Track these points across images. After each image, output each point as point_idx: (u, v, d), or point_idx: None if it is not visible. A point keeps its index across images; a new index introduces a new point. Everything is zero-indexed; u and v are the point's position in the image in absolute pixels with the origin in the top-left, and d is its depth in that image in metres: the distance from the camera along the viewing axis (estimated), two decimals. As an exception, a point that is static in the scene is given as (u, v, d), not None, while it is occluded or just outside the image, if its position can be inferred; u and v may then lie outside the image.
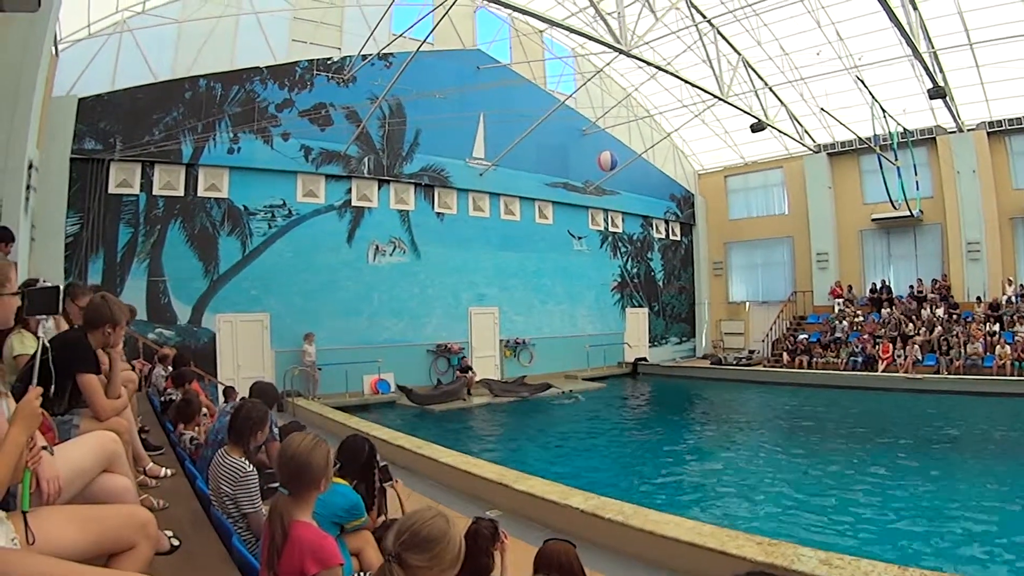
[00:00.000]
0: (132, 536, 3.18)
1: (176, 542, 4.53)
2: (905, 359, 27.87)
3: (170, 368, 12.77)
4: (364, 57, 25.00)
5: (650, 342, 37.97)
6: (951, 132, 31.23)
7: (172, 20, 22.92)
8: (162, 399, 11.37)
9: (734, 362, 34.45)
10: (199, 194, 22.88)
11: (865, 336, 30.32)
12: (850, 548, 9.39)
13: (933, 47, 25.28)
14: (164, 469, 6.98)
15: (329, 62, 25.60)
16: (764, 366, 33.15)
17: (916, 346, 28.16)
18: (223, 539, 4.90)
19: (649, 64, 23.64)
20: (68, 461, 3.60)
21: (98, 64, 21.45)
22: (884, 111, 27.42)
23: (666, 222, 39.80)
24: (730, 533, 7.63)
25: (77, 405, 5.04)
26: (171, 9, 22.93)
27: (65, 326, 6.24)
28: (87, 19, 21.13)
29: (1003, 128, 30.39)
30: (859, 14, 25.99)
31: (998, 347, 26.37)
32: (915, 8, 21.81)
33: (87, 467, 3.78)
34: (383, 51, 24.69)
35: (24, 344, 5.23)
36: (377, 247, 26.67)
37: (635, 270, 37.72)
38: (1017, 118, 29.95)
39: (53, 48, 17.41)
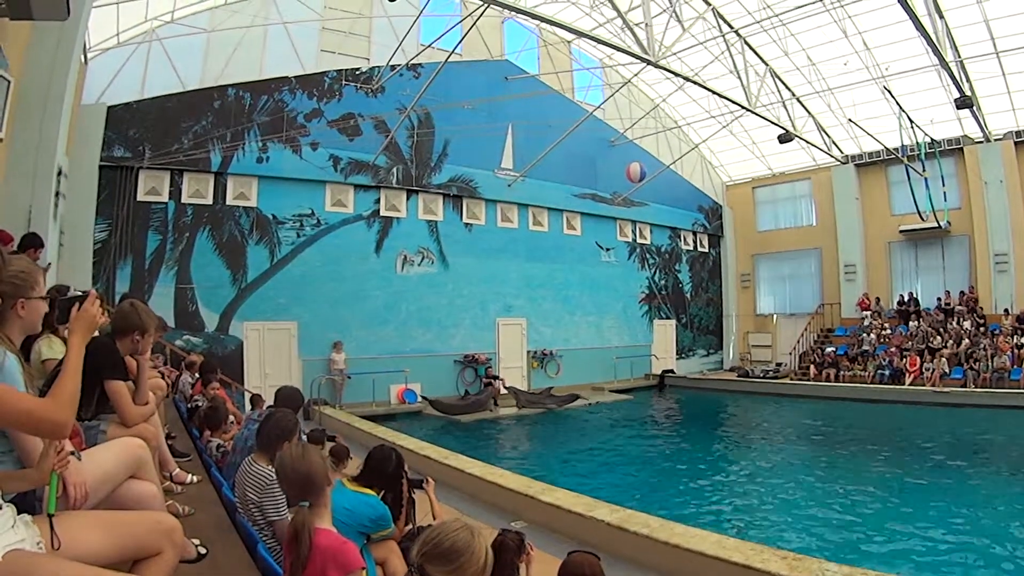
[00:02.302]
0: (158, 542, 3.17)
1: (203, 550, 4.52)
2: (932, 372, 27.58)
3: (197, 375, 12.83)
4: (393, 67, 25.12)
5: (677, 354, 37.85)
6: (978, 142, 31.00)
7: (201, 30, 23.09)
8: (189, 405, 11.43)
9: (761, 375, 34.26)
10: (228, 203, 23.05)
11: (892, 349, 30.06)
12: (875, 563, 9.36)
13: (960, 56, 25.27)
14: (190, 475, 6.99)
15: (358, 72, 25.71)
16: (791, 379, 32.93)
17: (943, 359, 27.85)
18: (248, 546, 4.90)
19: (677, 75, 23.62)
20: (95, 466, 3.61)
21: (127, 73, 21.64)
22: (911, 121, 27.27)
23: (694, 234, 39.66)
24: (755, 547, 7.57)
25: (104, 411, 5.05)
26: (200, 19, 23.12)
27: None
28: (116, 28, 21.31)
29: (1031, 138, 30.08)
30: (886, 23, 25.82)
31: (1026, 360, 26.09)
32: (941, 17, 21.76)
33: (114, 473, 3.79)
34: (411, 61, 24.85)
35: (53, 349, 5.25)
36: (405, 257, 26.73)
37: (663, 282, 37.59)
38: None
39: (82, 57, 17.58)
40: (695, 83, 24.54)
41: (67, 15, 10.69)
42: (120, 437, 4.40)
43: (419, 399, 25.36)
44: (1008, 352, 26.57)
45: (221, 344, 22.48)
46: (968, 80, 26.09)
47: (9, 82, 11.14)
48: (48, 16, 10.55)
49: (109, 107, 20.79)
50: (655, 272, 37.21)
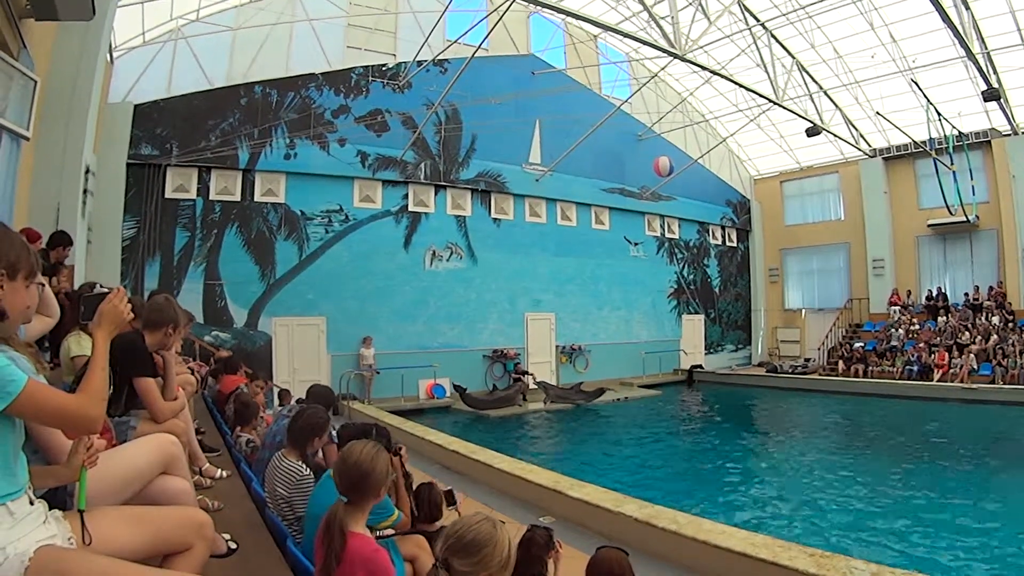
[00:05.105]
0: (188, 537, 3.19)
1: (234, 545, 4.53)
2: (961, 368, 27.29)
3: (212, 367, 12.89)
4: (419, 63, 25.17)
5: (706, 349, 37.76)
6: (1006, 135, 30.61)
7: (226, 27, 23.19)
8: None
9: (790, 370, 33.91)
10: (256, 199, 23.12)
11: (921, 345, 29.85)
12: (903, 561, 9.33)
13: (987, 47, 25.01)
14: (220, 470, 6.99)
15: (384, 68, 25.73)
16: (819, 374, 32.67)
17: (972, 355, 27.55)
18: (277, 541, 4.91)
19: (704, 68, 23.58)
20: (126, 462, 3.63)
21: (153, 71, 21.79)
22: (939, 114, 27.06)
23: (722, 228, 39.48)
24: (782, 544, 7.53)
25: (134, 407, 5.08)
26: (225, 17, 23.24)
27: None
28: (142, 27, 21.45)
29: (1060, 130, 29.73)
30: (912, 15, 25.61)
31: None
32: (968, 8, 21.62)
33: (145, 468, 3.79)
34: (438, 57, 24.93)
35: (82, 346, 5.29)
36: (434, 252, 26.77)
37: (691, 276, 37.45)
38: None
39: (108, 56, 17.68)
40: (722, 76, 24.57)
41: (92, 15, 10.79)
42: (150, 433, 4.42)
43: (452, 389, 25.33)
44: (1036, 348, 26.27)
45: (250, 340, 22.59)
46: (995, 72, 25.86)
47: (36, 82, 11.21)
48: (73, 16, 10.63)
49: (136, 105, 20.91)
50: (683, 267, 37.10)
